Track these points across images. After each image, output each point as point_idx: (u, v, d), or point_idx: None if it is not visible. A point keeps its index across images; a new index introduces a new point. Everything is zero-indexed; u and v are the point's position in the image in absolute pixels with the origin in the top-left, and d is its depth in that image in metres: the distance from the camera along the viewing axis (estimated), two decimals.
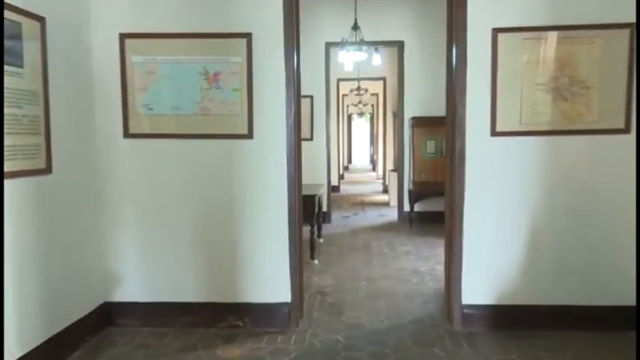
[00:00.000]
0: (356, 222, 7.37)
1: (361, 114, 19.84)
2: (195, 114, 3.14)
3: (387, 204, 9.23)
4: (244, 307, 3.21)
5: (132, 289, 3.24)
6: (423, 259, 5.01)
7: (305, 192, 4.93)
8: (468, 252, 3.13)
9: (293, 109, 3.14)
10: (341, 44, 5.54)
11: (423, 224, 6.84)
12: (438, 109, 7.32)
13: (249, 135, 3.13)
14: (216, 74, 3.11)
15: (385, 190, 11.03)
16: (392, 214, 7.85)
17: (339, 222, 7.34)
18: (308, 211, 4.79)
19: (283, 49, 3.10)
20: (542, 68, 2.99)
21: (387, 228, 6.84)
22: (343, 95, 14.45)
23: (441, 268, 4.61)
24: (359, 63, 10.08)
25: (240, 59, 3.10)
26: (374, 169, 17.70)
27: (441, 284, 4.08)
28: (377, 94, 14.32)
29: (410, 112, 7.07)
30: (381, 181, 12.83)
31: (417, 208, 6.90)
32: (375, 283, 4.20)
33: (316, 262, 4.90)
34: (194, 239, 3.22)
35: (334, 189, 11.14)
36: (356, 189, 12.18)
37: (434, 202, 6.97)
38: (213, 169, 3.18)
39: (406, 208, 7.16)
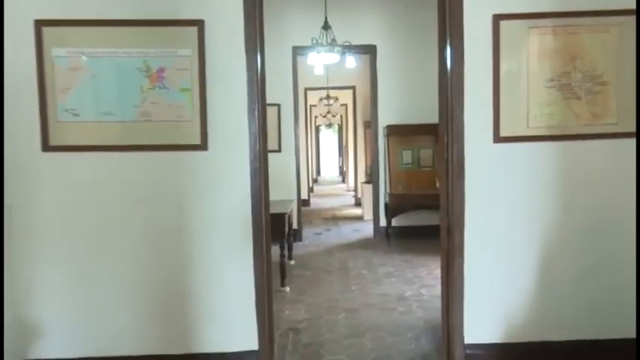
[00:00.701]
0: (329, 239, 6.82)
1: (329, 125, 19.40)
2: (135, 121, 2.52)
3: (360, 218, 8.72)
4: None
5: (55, 343, 2.56)
6: (407, 281, 4.50)
7: (274, 210, 4.38)
8: (470, 280, 2.62)
9: (257, 113, 2.57)
10: (311, 46, 5.00)
11: (401, 240, 6.34)
12: (414, 117, 6.94)
13: (203, 145, 2.53)
14: (161, 71, 2.51)
15: (357, 203, 10.54)
16: (367, 229, 7.33)
17: (312, 240, 6.77)
18: (278, 232, 4.22)
19: (244, 40, 2.54)
20: (551, 62, 2.53)
21: (363, 245, 6.31)
22: (311, 106, 13.98)
23: (427, 293, 4.11)
24: (328, 70, 9.68)
25: (190, 52, 2.51)
26: (343, 180, 17.24)
27: (431, 313, 3.57)
28: (346, 104, 13.90)
29: (384, 120, 6.61)
30: (352, 193, 12.36)
31: (394, 222, 6.41)
32: (356, 315, 3.64)
33: (287, 289, 4.30)
34: (134, 277, 2.58)
35: (304, 203, 10.54)
36: (326, 202, 11.65)
37: (412, 216, 6.51)
38: (158, 188, 2.57)
39: (382, 222, 6.67)
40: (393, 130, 6.39)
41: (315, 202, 11.35)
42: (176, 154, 2.54)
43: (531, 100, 2.55)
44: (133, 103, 2.51)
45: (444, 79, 2.72)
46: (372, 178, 8.05)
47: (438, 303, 3.85)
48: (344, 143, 15.98)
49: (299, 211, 6.67)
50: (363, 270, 4.99)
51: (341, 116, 18.03)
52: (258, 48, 2.62)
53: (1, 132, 2.42)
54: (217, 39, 2.53)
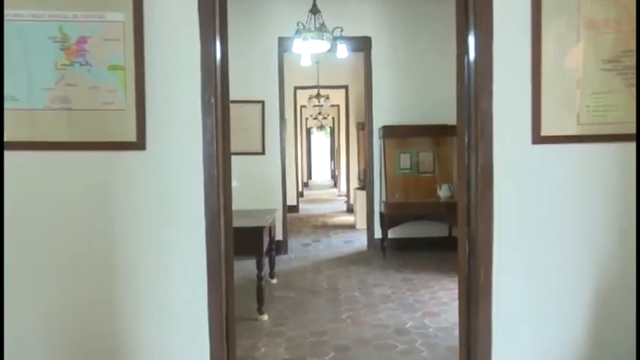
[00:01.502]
0: (318, 251, 6.14)
1: (321, 127, 18.75)
2: (46, 109, 1.84)
3: (352, 227, 8.07)
4: None
5: None
6: (407, 307, 3.84)
7: (249, 223, 3.73)
8: (499, 330, 1.96)
9: (214, 102, 1.90)
10: (297, 32, 4.34)
11: (398, 254, 5.69)
12: (413, 117, 6.29)
13: (140, 144, 1.86)
14: (82, 41, 1.83)
15: (350, 210, 9.89)
16: (360, 241, 6.67)
17: (298, 252, 6.09)
18: (253, 248, 3.56)
19: (197, 1, 1.88)
20: (611, 36, 1.90)
21: (355, 259, 5.65)
22: (302, 107, 13.33)
23: (432, 324, 3.45)
24: (319, 67, 9.04)
25: (123, 17, 1.84)
26: (335, 185, 16.59)
27: (440, 354, 2.92)
28: (338, 105, 13.26)
29: (379, 121, 5.97)
30: (344, 198, 11.71)
31: (390, 233, 5.75)
32: (348, 356, 2.97)
33: (265, 317, 3.62)
34: (46, 325, 1.90)
35: (292, 209, 9.89)
36: (317, 208, 10.98)
37: (410, 227, 5.86)
38: (78, 200, 1.89)
39: (377, 233, 6.01)
40: (389, 132, 5.74)
41: (305, 209, 10.68)
42: (102, 155, 1.87)
43: (584, 88, 1.91)
44: (42, 85, 1.83)
45: (463, 64, 2.07)
46: (365, 184, 7.42)
47: (445, 339, 3.22)
48: (336, 146, 15.34)
49: (284, 220, 6.00)
50: (356, 291, 4.32)
51: (333, 118, 17.42)
52: (218, 14, 1.96)
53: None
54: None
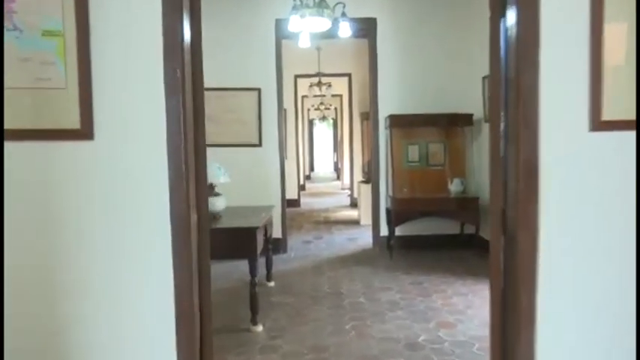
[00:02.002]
0: (320, 250, 5.74)
1: (323, 118, 18.30)
2: None
3: (356, 222, 7.67)
4: None
5: None
6: (418, 317, 3.44)
7: (239, 223, 3.34)
8: (546, 347, 1.55)
9: (181, 79, 1.49)
10: (293, 8, 3.90)
11: (406, 253, 5.29)
12: (421, 106, 5.81)
13: (86, 132, 1.45)
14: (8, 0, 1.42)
15: (353, 204, 9.48)
16: (365, 238, 6.27)
17: (299, 251, 5.69)
18: (245, 251, 3.16)
19: None
20: None
21: (360, 259, 5.24)
22: (303, 97, 12.88)
23: (448, 337, 3.05)
24: (320, 53, 8.59)
25: None
26: (338, 177, 16.18)
27: None
28: (340, 95, 12.81)
29: (385, 109, 5.53)
30: (347, 192, 11.30)
31: (397, 231, 5.35)
32: None
33: (260, 328, 3.23)
34: None
35: (292, 204, 9.50)
36: (319, 202, 10.58)
37: (419, 224, 5.45)
38: (7, 204, 1.48)
39: (383, 231, 5.61)
40: (396, 121, 5.31)
41: (307, 202, 10.28)
42: (38, 147, 1.46)
43: None
44: None
45: (499, 26, 1.64)
46: (370, 178, 7.01)
47: (464, 356, 2.82)
48: (339, 138, 14.90)
49: (283, 216, 5.59)
50: (361, 297, 3.92)
51: (335, 109, 16.96)
52: None
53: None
54: None
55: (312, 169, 20.19)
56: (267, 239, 4.06)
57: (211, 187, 3.61)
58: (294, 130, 9.84)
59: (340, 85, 10.59)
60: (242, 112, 5.45)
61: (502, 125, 1.62)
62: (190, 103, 1.54)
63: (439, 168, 5.48)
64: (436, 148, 5.54)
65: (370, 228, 5.92)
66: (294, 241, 6.12)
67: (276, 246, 5.44)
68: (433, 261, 4.98)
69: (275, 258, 5.08)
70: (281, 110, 5.55)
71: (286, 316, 3.49)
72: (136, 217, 1.48)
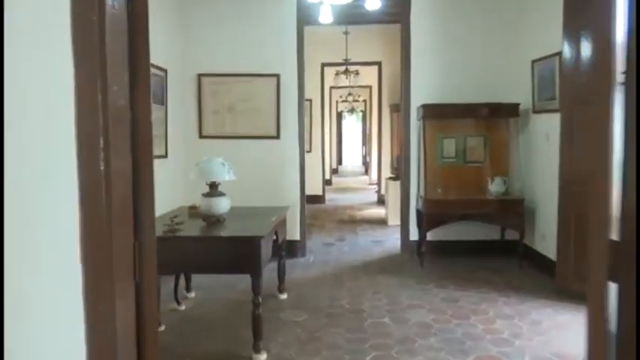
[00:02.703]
0: (342, 254, 5.20)
1: (352, 110, 17.67)
2: None
3: (383, 222, 7.08)
4: None
5: None
6: (455, 346, 2.85)
7: (243, 231, 2.83)
8: None
9: (98, 33, 0.95)
10: None
11: (439, 261, 4.69)
12: (459, 94, 5.15)
13: None
14: None
15: (380, 201, 8.88)
16: (392, 241, 5.70)
17: (319, 254, 5.16)
18: (247, 265, 2.65)
19: None
20: None
21: (386, 267, 4.67)
22: (331, 88, 12.31)
23: None
24: (348, 40, 7.98)
25: None
26: (366, 172, 15.57)
27: None
28: (370, 87, 12.18)
29: (418, 99, 4.92)
30: (375, 187, 10.70)
31: (429, 235, 4.75)
32: None
33: (264, 357, 2.72)
34: None
35: (316, 200, 8.99)
36: (345, 199, 10.03)
37: (453, 228, 4.84)
38: None
39: (413, 234, 5.02)
40: (430, 112, 4.68)
41: (332, 199, 9.74)
42: None
43: None
44: None
45: None
46: (399, 174, 6.42)
47: None
48: (368, 131, 14.27)
49: (302, 216, 5.07)
50: (385, 316, 3.36)
51: (365, 101, 16.32)
52: None
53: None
54: None
55: (340, 162, 19.65)
56: (280, 245, 3.55)
57: (213, 185, 3.12)
58: (320, 121, 9.29)
59: (369, 76, 9.96)
60: (258, 100, 4.94)
61: None
62: (124, 65, 1.01)
63: (478, 165, 4.83)
64: (475, 143, 4.90)
65: (398, 229, 5.35)
66: (314, 243, 5.60)
67: (294, 249, 4.94)
68: (470, 271, 4.37)
69: (292, 263, 4.60)
70: (302, 99, 5.00)
71: (296, 341, 2.97)
72: (27, 231, 0.97)
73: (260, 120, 4.95)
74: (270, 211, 3.49)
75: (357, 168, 19.08)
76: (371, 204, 9.18)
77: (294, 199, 4.98)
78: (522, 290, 3.83)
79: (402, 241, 5.18)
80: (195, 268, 2.89)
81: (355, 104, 16.75)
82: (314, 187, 9.04)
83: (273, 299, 3.68)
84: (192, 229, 2.89)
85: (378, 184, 9.55)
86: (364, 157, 18.83)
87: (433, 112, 4.68)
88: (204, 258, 2.66)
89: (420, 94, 4.90)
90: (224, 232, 2.87)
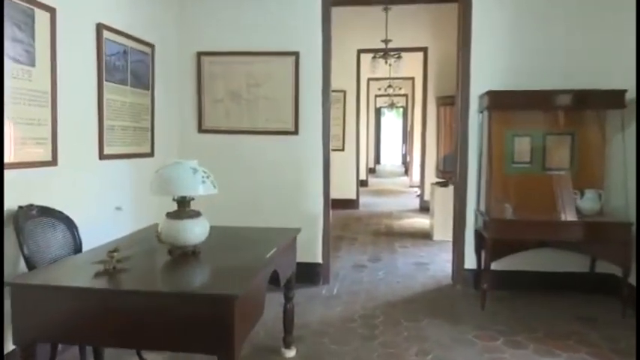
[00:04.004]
0: (375, 283, 4.07)
1: (392, 105, 16.40)
2: None
3: (428, 236, 5.91)
4: None
5: None
6: None
7: (208, 286, 1.80)
8: None
9: None
10: None
11: (506, 300, 3.51)
12: (533, 79, 3.53)
13: None
14: None
15: (424, 208, 7.69)
16: (439, 263, 4.55)
17: (346, 282, 4.07)
18: (214, 340, 1.59)
19: None
20: None
21: (435, 306, 3.52)
22: (369, 79, 11.15)
23: None
24: (388, 18, 6.75)
25: None
26: (406, 172, 14.32)
27: None
28: (412, 78, 10.96)
29: (480, 87, 3.74)
30: (417, 191, 9.50)
31: (493, 265, 3.56)
32: None
33: None
34: None
35: (349, 205, 7.91)
36: (382, 204, 8.88)
37: (525, 256, 3.63)
38: None
39: (468, 260, 3.85)
40: (497, 101, 3.48)
41: (367, 204, 8.61)
42: None
43: None
44: None
45: None
46: (449, 179, 5.29)
47: None
48: (409, 128, 13.01)
49: (326, 232, 3.98)
50: None
51: (406, 95, 15.03)
52: None
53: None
54: None
55: (377, 161, 18.43)
56: (287, 284, 2.50)
57: (183, 203, 2.10)
58: (355, 116, 8.17)
59: (412, 65, 8.73)
60: (272, 85, 3.89)
61: None
62: None
63: (561, 173, 3.59)
64: (557, 143, 3.67)
65: (447, 247, 4.21)
66: (341, 265, 4.52)
67: (314, 275, 3.89)
68: (552, 319, 3.18)
69: (310, 294, 3.58)
70: (327, 84, 3.91)
71: None
72: None
73: (273, 111, 3.90)
74: (271, 237, 2.44)
75: (396, 168, 17.81)
76: (412, 211, 7.99)
77: (314, 212, 3.91)
78: (632, 357, 2.62)
79: (454, 268, 4.02)
80: (119, 340, 1.78)
81: (395, 99, 15.49)
82: (346, 191, 7.96)
83: (276, 357, 2.63)
84: (136, 271, 1.87)
85: (421, 187, 8.34)
86: (404, 157, 17.55)
87: (502, 101, 3.48)
88: (136, 326, 1.63)
89: (482, 82, 3.72)
90: (174, 284, 1.84)
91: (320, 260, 3.96)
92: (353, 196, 8.12)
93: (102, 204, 2.97)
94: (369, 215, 7.56)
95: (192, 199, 2.12)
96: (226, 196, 3.93)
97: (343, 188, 7.85)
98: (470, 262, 3.85)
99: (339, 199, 7.76)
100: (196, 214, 2.11)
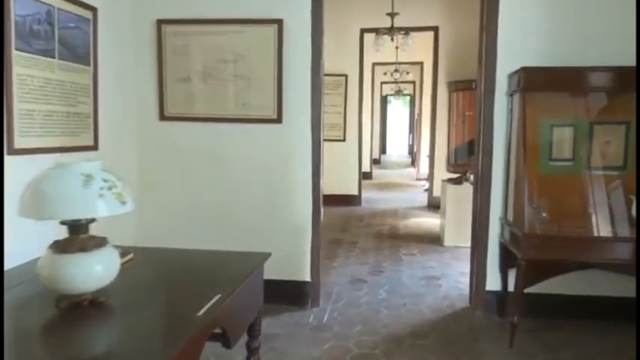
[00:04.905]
0: (376, 305, 3.34)
1: (398, 92, 15.54)
2: None
3: (437, 240, 5.17)
4: None
5: None
6: None
7: None
8: None
9: None
10: None
11: (539, 333, 2.78)
12: (575, 55, 2.70)
13: None
14: None
15: (433, 205, 6.94)
16: (452, 277, 3.82)
17: (340, 303, 3.34)
18: None
19: None
20: None
21: (449, 341, 2.79)
22: (373, 64, 10.34)
23: None
24: None
25: None
26: (413, 163, 13.53)
27: None
28: (421, 63, 10.15)
29: (508, 65, 2.97)
30: (424, 184, 8.74)
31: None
32: None
33: None
34: None
35: (350, 201, 7.18)
36: (386, 200, 8.12)
37: (563, 277, 2.87)
38: None
39: (492, 280, 3.11)
40: (534, 78, 2.72)
41: (370, 199, 7.85)
42: None
43: None
44: None
45: None
46: (462, 173, 4.59)
47: None
48: (417, 116, 12.18)
49: (315, 247, 3.24)
50: None
51: (414, 83, 14.14)
52: None
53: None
54: None
55: (383, 151, 17.61)
56: (249, 343, 1.78)
57: (75, 227, 1.38)
58: (357, 103, 7.38)
59: (421, 48, 7.92)
60: (249, 62, 3.13)
61: None
62: None
63: (614, 173, 2.81)
64: (608, 135, 2.87)
65: (460, 254, 3.55)
66: (336, 279, 3.80)
67: (301, 296, 3.17)
68: (597, 355, 2.44)
69: (295, 320, 2.88)
70: (318, 60, 3.15)
71: None
72: None
73: (251, 93, 3.15)
74: (224, 270, 1.71)
75: (402, 158, 17.01)
76: (420, 209, 7.24)
77: (301, 219, 3.18)
78: None
79: (472, 288, 3.28)
80: None
81: (402, 86, 14.62)
82: (347, 186, 7.22)
83: None
84: None
85: (429, 180, 7.57)
86: (411, 147, 16.73)
87: (539, 80, 2.71)
88: None
89: (512, 59, 2.95)
90: None
91: (308, 278, 3.23)
92: (355, 192, 7.37)
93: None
94: (371, 213, 6.81)
95: (92, 220, 1.40)
96: (191, 201, 3.26)
97: (344, 183, 7.12)
98: (492, 282, 3.12)
99: (339, 195, 7.03)
100: (97, 244, 1.39)
